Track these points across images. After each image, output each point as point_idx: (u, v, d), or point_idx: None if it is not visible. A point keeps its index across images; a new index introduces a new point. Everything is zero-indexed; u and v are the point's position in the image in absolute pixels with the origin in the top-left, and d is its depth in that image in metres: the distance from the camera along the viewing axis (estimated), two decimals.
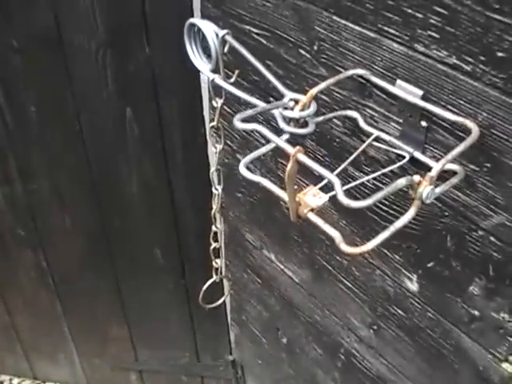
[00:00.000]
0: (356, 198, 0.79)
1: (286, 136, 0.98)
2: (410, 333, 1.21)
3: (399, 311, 1.21)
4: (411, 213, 0.83)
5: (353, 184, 0.94)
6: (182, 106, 1.52)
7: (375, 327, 1.30)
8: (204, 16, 1.31)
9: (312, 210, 0.85)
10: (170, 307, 1.97)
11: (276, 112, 1.01)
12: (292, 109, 0.99)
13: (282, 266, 1.52)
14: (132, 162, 1.62)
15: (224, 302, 1.87)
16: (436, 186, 0.85)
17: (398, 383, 1.32)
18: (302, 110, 0.98)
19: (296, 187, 0.85)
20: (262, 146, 1.02)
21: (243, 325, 1.86)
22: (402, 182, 0.82)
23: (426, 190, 0.82)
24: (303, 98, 0.98)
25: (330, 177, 0.80)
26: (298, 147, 0.82)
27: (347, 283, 1.32)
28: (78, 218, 1.78)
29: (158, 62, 1.45)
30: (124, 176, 1.65)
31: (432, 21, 0.89)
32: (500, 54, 0.82)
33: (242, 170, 0.93)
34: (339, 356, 1.47)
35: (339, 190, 0.78)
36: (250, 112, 0.94)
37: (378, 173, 0.98)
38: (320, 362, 1.57)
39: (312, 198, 0.86)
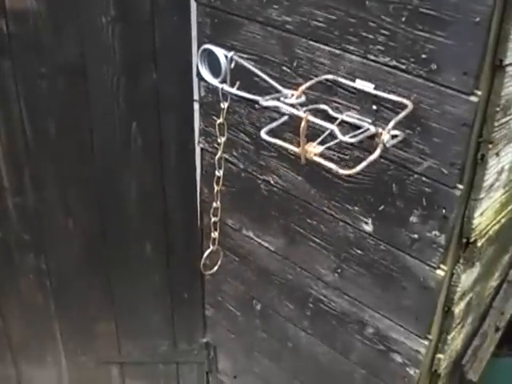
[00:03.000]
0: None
1: (285, 117, 1.47)
2: (368, 266, 1.68)
3: (358, 251, 1.68)
4: (378, 151, 1.32)
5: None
6: (179, 120, 1.96)
7: (339, 270, 1.76)
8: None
9: (315, 154, 1.33)
10: (153, 299, 2.31)
11: (276, 101, 1.48)
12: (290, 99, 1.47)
13: (259, 240, 1.95)
14: (133, 169, 2.02)
15: (201, 288, 2.28)
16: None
17: (358, 313, 1.77)
18: (296, 99, 1.47)
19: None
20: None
21: (218, 305, 2.25)
22: (373, 129, 1.32)
23: (386, 136, 1.32)
24: (297, 92, 1.47)
25: (333, 127, 1.28)
26: (307, 112, 1.30)
27: (316, 240, 1.77)
28: (80, 222, 2.12)
29: (162, 86, 1.89)
30: (125, 181, 2.04)
31: (379, 39, 1.41)
32: (423, 56, 1.35)
33: (264, 135, 1.40)
34: (308, 305, 1.90)
35: (339, 134, 1.27)
36: (269, 97, 1.41)
37: (352, 134, 1.46)
38: (291, 317, 1.99)
39: (313, 148, 1.34)
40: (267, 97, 1.43)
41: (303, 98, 1.46)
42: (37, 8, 1.76)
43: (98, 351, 2.43)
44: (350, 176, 1.59)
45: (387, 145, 1.33)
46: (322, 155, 1.33)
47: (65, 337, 2.40)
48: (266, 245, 1.94)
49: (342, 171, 1.28)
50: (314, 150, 1.33)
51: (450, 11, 1.28)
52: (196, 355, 2.43)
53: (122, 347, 2.42)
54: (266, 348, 2.15)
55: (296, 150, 1.34)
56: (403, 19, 1.35)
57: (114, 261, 2.22)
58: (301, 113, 1.31)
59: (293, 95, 1.46)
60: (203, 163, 2.01)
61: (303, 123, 1.28)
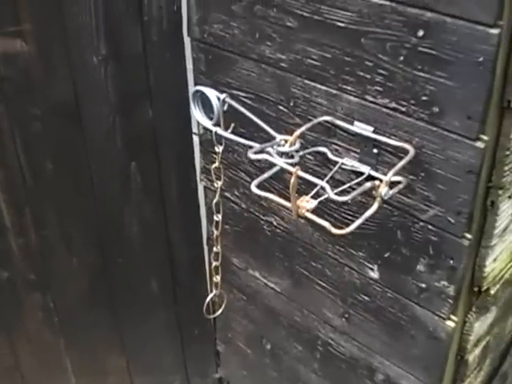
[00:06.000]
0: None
1: (277, 167, 1.38)
2: (375, 313, 1.59)
3: (365, 297, 1.59)
4: (375, 206, 1.23)
5: (338, 190, 1.31)
6: (178, 158, 1.89)
7: (346, 315, 1.66)
8: (196, 85, 1.70)
9: (307, 210, 1.24)
10: (162, 336, 2.25)
11: (270, 149, 1.40)
12: (283, 146, 1.39)
13: (265, 281, 1.87)
14: (134, 207, 1.95)
15: (212, 323, 2.20)
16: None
17: (367, 359, 1.68)
18: (290, 146, 1.38)
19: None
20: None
21: (229, 342, 2.18)
22: (368, 184, 1.22)
23: (384, 189, 1.22)
24: (290, 138, 1.38)
25: (323, 184, 1.19)
26: (297, 166, 1.21)
27: (322, 283, 1.69)
28: (84, 260, 2.07)
29: (159, 123, 1.82)
30: (126, 219, 1.98)
31: (377, 79, 1.31)
32: (424, 98, 1.25)
33: (254, 189, 1.31)
34: (317, 348, 1.82)
35: (330, 191, 1.18)
36: (259, 147, 1.33)
37: (348, 185, 1.37)
38: (301, 359, 1.91)
39: (306, 203, 1.25)
40: (257, 146, 1.34)
41: (297, 145, 1.38)
42: (27, 50, 1.70)
43: None
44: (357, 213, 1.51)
45: (385, 197, 1.24)
46: (315, 210, 1.24)
47: (76, 373, 2.36)
48: (272, 285, 1.86)
49: (334, 230, 1.19)
50: (306, 205, 1.23)
51: (450, 50, 1.17)
52: None
53: (134, 382, 2.37)
54: None
55: (288, 205, 1.25)
56: (401, 58, 1.25)
57: (120, 298, 2.16)
58: (290, 167, 1.22)
59: (286, 142, 1.38)
60: (207, 201, 1.93)
61: (293, 179, 1.20)
